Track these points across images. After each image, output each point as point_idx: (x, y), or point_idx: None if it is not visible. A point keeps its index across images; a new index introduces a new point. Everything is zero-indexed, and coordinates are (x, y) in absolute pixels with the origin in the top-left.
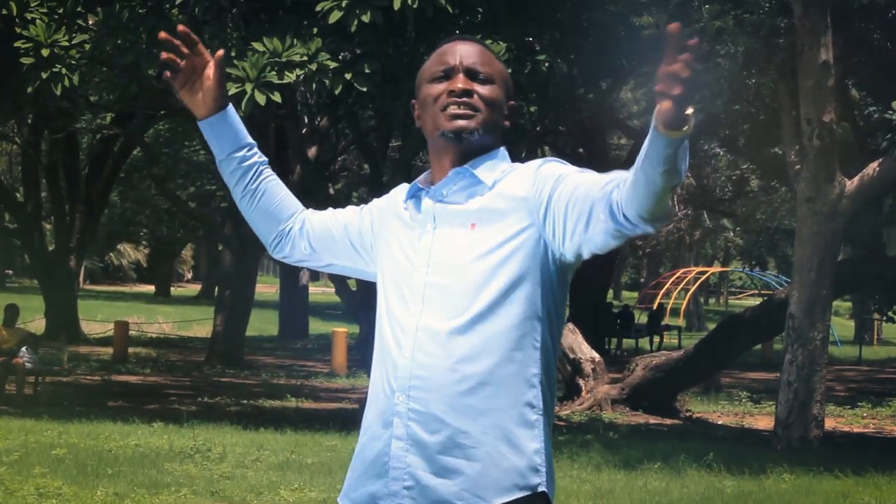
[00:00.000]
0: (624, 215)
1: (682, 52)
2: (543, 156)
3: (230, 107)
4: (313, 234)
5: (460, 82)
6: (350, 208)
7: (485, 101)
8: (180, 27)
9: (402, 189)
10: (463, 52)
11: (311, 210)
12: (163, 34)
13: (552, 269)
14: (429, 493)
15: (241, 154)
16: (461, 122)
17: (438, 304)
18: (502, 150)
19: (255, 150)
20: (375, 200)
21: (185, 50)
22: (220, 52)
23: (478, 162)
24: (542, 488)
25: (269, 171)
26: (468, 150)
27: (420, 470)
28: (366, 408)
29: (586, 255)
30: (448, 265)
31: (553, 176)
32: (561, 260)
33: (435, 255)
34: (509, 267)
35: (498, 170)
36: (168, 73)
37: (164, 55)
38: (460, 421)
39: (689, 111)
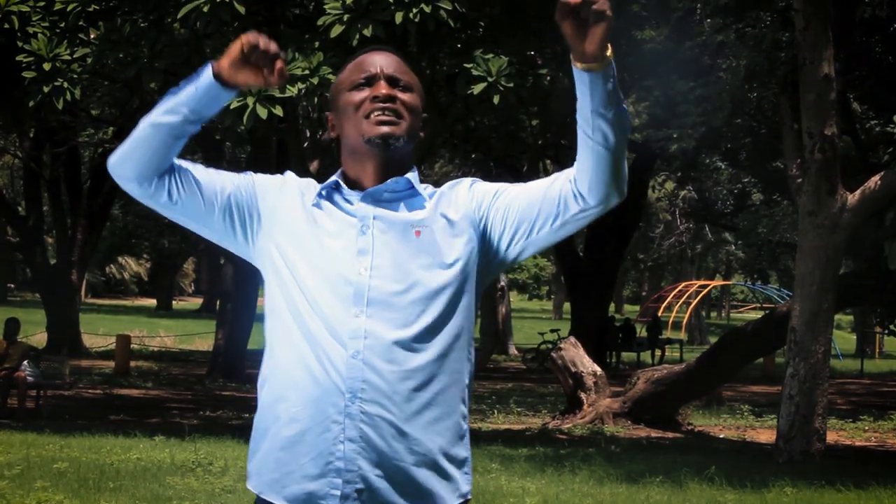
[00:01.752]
0: (582, 196)
1: None
2: (545, 170)
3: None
4: (187, 184)
5: (384, 88)
6: (228, 175)
7: (407, 108)
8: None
9: (304, 183)
10: (382, 61)
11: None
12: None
13: (479, 279)
14: (378, 496)
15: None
16: (387, 129)
17: (386, 311)
18: (415, 170)
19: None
20: (258, 178)
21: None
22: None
23: (411, 174)
24: (469, 495)
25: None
26: (392, 158)
27: (372, 474)
28: (275, 390)
29: (525, 258)
30: (395, 271)
31: (490, 192)
32: (489, 269)
33: (378, 259)
34: (455, 280)
35: (427, 187)
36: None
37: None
38: (413, 430)
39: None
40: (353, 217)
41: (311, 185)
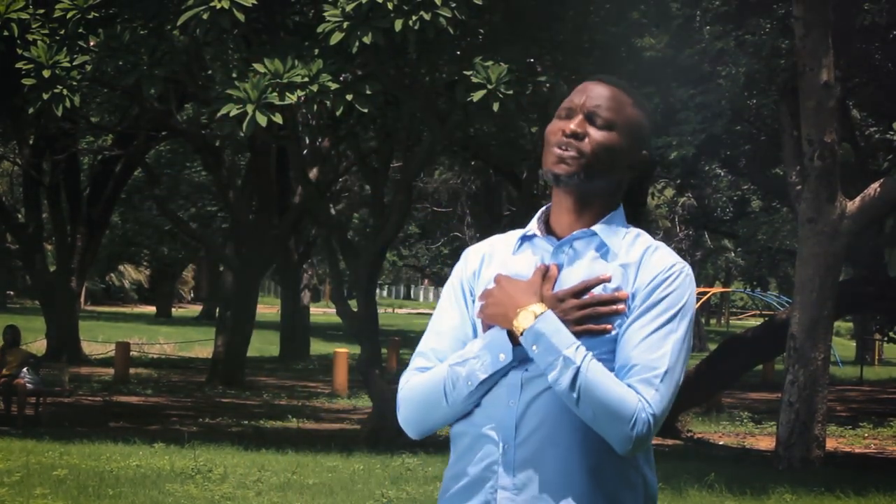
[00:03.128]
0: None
1: None
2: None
3: None
4: None
5: (574, 124)
6: (449, 314)
7: (595, 147)
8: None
9: (501, 240)
10: (592, 92)
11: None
12: None
13: None
14: None
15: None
16: (560, 167)
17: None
18: (621, 212)
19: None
20: (458, 274)
21: None
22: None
23: (605, 220)
24: None
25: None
26: (577, 194)
27: None
28: None
29: None
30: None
31: (649, 285)
32: None
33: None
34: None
35: (623, 233)
36: None
37: None
38: None
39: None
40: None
41: (502, 239)
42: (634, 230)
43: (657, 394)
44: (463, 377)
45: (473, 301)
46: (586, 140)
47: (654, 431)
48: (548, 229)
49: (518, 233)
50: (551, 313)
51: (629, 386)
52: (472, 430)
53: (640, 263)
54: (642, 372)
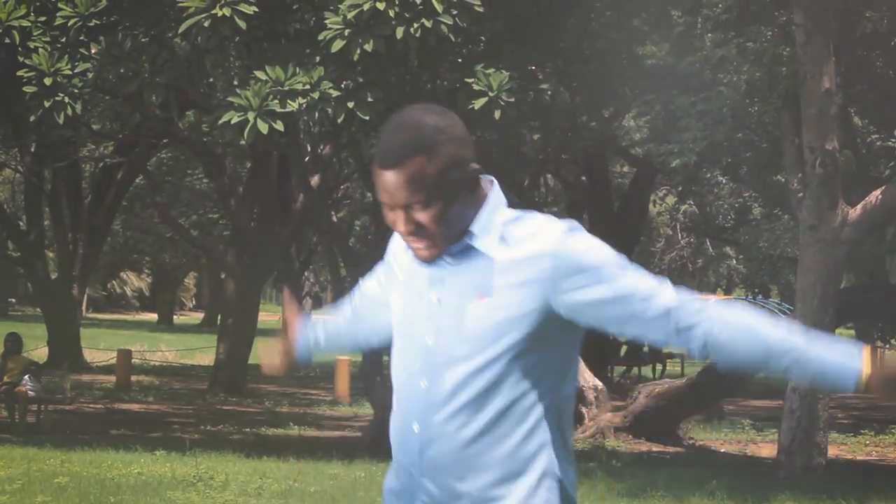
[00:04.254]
0: (706, 352)
1: None
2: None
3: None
4: (370, 328)
5: (401, 227)
6: (370, 278)
7: (433, 224)
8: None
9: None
10: (389, 187)
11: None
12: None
13: (561, 337)
14: None
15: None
16: (424, 255)
17: (447, 379)
18: (494, 200)
19: (320, 329)
20: (387, 253)
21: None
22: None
23: (474, 232)
24: None
25: (330, 327)
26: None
27: None
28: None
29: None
30: (455, 338)
31: (581, 266)
32: (571, 328)
33: (443, 326)
34: (516, 343)
35: (496, 225)
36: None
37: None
38: (480, 491)
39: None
40: (424, 275)
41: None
42: (510, 215)
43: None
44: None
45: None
46: (423, 228)
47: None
48: None
49: None
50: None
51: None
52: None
53: (510, 237)
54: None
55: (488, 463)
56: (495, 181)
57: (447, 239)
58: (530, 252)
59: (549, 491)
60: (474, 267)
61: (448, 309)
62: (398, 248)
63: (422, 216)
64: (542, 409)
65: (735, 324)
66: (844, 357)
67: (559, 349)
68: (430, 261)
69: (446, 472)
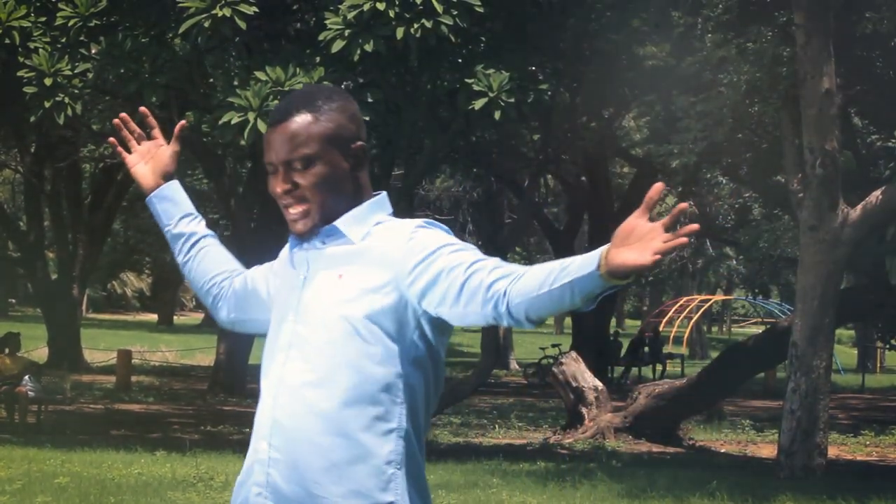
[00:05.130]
0: (509, 310)
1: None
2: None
3: (174, 178)
4: (234, 296)
5: (279, 185)
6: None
7: (312, 186)
8: (142, 109)
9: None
10: (275, 144)
11: (240, 272)
12: (116, 121)
13: (416, 324)
14: None
15: (183, 221)
16: (298, 227)
17: (300, 355)
18: (375, 201)
19: (196, 218)
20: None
21: (137, 138)
22: (182, 123)
23: (346, 219)
24: None
25: (209, 240)
26: (330, 217)
27: None
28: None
29: (457, 325)
30: (312, 315)
31: (425, 248)
32: (427, 317)
33: (303, 304)
34: (367, 323)
35: (369, 222)
36: (121, 151)
37: (113, 142)
38: (315, 473)
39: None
40: (297, 262)
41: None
42: (385, 220)
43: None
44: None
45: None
46: (300, 189)
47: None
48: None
49: None
50: None
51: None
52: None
53: (374, 231)
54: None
55: (331, 445)
56: (385, 194)
57: (322, 212)
58: (385, 243)
59: (391, 480)
60: (339, 250)
61: (310, 288)
62: (283, 255)
63: (301, 178)
64: (392, 395)
65: (529, 271)
66: (588, 256)
67: (417, 340)
68: (303, 234)
69: (293, 448)
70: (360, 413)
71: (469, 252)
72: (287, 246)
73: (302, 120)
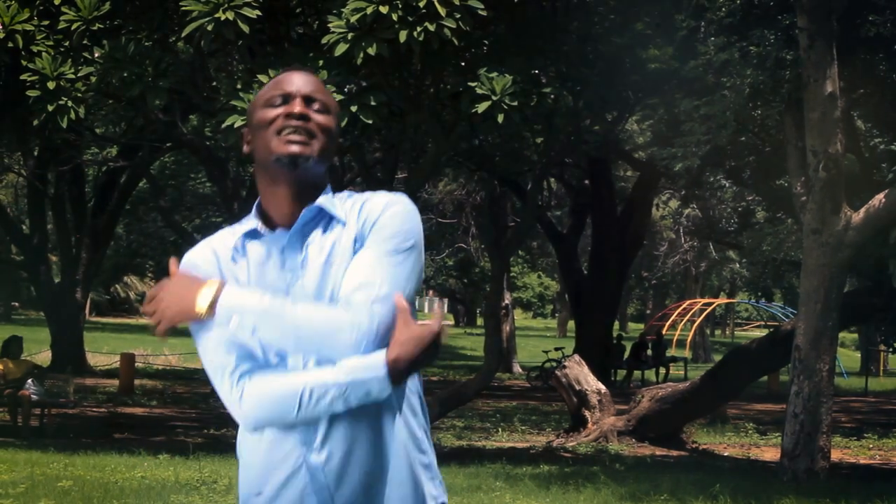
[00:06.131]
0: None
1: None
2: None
3: None
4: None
5: (297, 106)
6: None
7: (321, 129)
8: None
9: (218, 242)
10: (299, 81)
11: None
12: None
13: None
14: None
15: None
16: (297, 148)
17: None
18: (329, 189)
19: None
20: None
21: None
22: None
23: (324, 199)
24: None
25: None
26: (304, 179)
27: None
28: None
29: None
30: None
31: (368, 226)
32: None
33: (306, 284)
34: None
35: (346, 204)
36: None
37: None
38: None
39: None
40: (282, 260)
41: (220, 241)
42: (345, 192)
43: (375, 305)
44: (328, 399)
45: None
46: (312, 122)
47: (367, 339)
48: (267, 223)
49: (229, 233)
50: (228, 284)
51: (347, 305)
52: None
53: (361, 210)
54: (359, 290)
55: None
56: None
57: (319, 154)
58: (369, 210)
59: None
60: (328, 232)
61: (309, 274)
62: (222, 259)
63: (315, 115)
64: None
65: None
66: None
67: None
68: (298, 157)
69: None
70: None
71: (388, 259)
72: (206, 256)
73: (322, 84)
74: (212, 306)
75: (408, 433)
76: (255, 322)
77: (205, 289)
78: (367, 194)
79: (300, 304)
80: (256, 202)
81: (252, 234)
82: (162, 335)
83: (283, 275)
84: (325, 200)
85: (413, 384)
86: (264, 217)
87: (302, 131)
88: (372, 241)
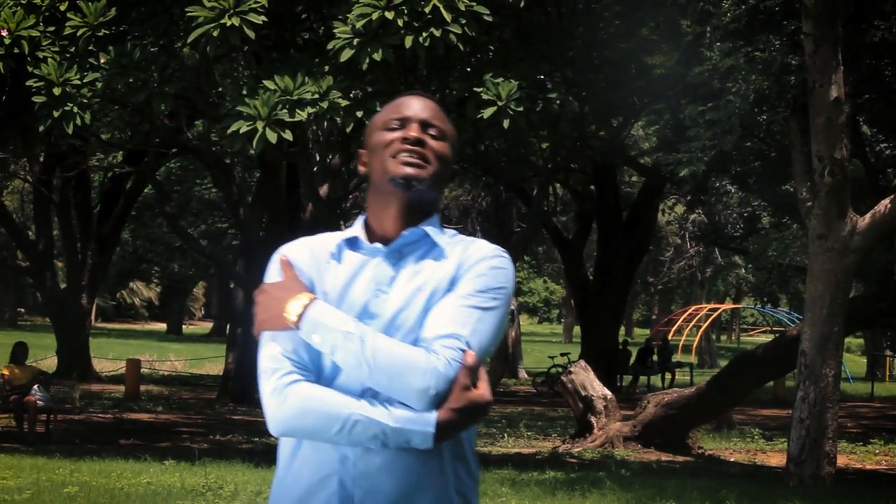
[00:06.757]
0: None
1: None
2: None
3: None
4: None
5: (414, 131)
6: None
7: (436, 155)
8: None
9: (317, 243)
10: (417, 105)
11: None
12: None
13: None
14: None
15: None
16: (411, 170)
17: None
18: (437, 217)
19: None
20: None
21: None
22: None
23: (429, 223)
24: None
25: None
26: (414, 201)
27: None
28: None
29: None
30: (399, 337)
31: (464, 271)
32: None
33: (387, 321)
34: None
35: (451, 240)
36: None
37: None
38: None
39: None
40: (372, 273)
41: (319, 243)
42: (451, 230)
43: (456, 354)
44: (368, 434)
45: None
46: (427, 147)
47: (438, 387)
48: (370, 237)
49: (330, 238)
50: (319, 300)
51: (428, 349)
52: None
53: (463, 253)
54: (445, 338)
55: None
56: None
57: (432, 179)
58: (470, 254)
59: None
60: (425, 259)
61: (395, 293)
62: (318, 260)
63: (431, 141)
64: None
65: None
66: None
67: None
68: (412, 178)
69: None
70: None
71: (471, 315)
72: (304, 255)
73: (441, 110)
74: (300, 317)
75: (449, 477)
76: (335, 342)
77: (297, 300)
78: (472, 239)
79: (382, 336)
80: (363, 217)
81: (351, 243)
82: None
83: (369, 286)
84: (431, 228)
85: (466, 433)
86: (368, 232)
87: (417, 155)
88: (464, 290)
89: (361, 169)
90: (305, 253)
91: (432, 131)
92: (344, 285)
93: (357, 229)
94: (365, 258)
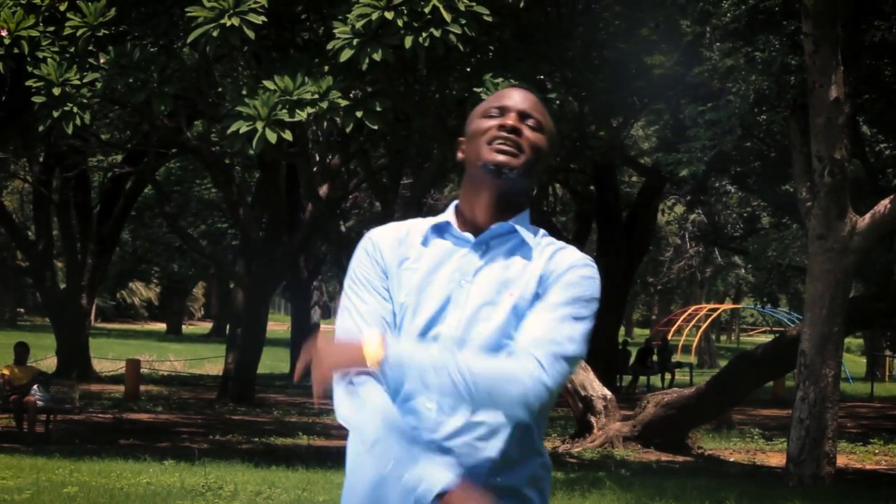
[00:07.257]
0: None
1: None
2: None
3: None
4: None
5: (511, 119)
6: (365, 297)
7: (531, 145)
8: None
9: (407, 227)
10: (518, 97)
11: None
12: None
13: None
14: None
15: None
16: (503, 157)
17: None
18: (527, 213)
19: None
20: (368, 251)
21: None
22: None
23: (520, 218)
24: None
25: None
26: (505, 189)
27: None
28: None
29: None
30: (481, 330)
31: (554, 279)
32: None
33: (469, 312)
34: None
35: (540, 240)
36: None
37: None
38: None
39: None
40: (456, 263)
41: (415, 226)
42: (541, 230)
43: (555, 363)
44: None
45: (387, 279)
46: (523, 137)
47: (551, 399)
48: (461, 224)
49: (423, 222)
50: (385, 337)
51: (527, 355)
52: None
53: (552, 257)
54: (542, 345)
55: None
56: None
57: (525, 168)
58: (559, 261)
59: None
60: (514, 256)
61: (479, 285)
62: (410, 241)
63: (527, 131)
64: None
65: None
66: None
67: None
68: (503, 165)
69: None
70: None
71: (564, 318)
72: (394, 237)
73: (542, 105)
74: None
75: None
76: (422, 374)
77: (370, 343)
78: (561, 244)
79: (466, 354)
80: (455, 203)
81: (441, 228)
82: (320, 398)
83: (454, 276)
84: (521, 223)
85: (536, 425)
86: (458, 219)
87: (511, 143)
88: (555, 297)
89: (459, 156)
90: (391, 239)
91: (530, 122)
92: (428, 271)
93: (449, 214)
94: (452, 247)
